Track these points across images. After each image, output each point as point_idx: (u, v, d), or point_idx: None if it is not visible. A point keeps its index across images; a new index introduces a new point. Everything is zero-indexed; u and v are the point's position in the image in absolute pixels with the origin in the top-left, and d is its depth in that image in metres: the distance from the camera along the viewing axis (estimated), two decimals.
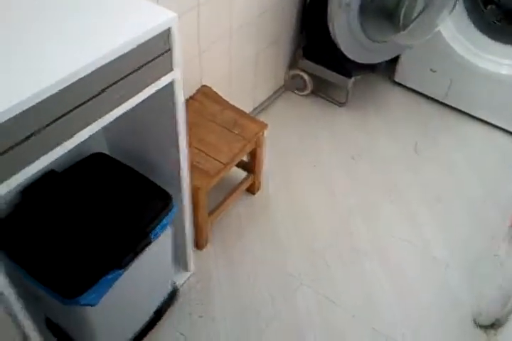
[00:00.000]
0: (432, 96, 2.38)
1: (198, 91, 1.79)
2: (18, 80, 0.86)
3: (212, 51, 1.77)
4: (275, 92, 2.32)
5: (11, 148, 0.84)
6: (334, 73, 2.23)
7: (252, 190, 1.93)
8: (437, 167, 2.12)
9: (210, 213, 1.71)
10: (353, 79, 2.22)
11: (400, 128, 2.27)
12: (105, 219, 1.21)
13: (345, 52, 2.07)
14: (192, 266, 1.65)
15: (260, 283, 1.69)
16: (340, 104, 2.34)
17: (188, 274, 1.65)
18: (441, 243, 1.84)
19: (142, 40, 0.98)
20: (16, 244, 1.15)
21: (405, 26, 1.96)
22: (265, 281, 1.69)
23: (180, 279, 1.63)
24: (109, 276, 1.15)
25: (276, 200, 1.94)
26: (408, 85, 2.42)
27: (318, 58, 2.24)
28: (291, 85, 2.36)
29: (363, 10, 1.98)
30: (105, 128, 1.04)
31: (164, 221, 1.27)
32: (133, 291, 1.31)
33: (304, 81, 2.31)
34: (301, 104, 2.33)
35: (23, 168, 0.88)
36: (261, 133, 1.73)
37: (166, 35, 1.04)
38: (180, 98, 1.19)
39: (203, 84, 1.80)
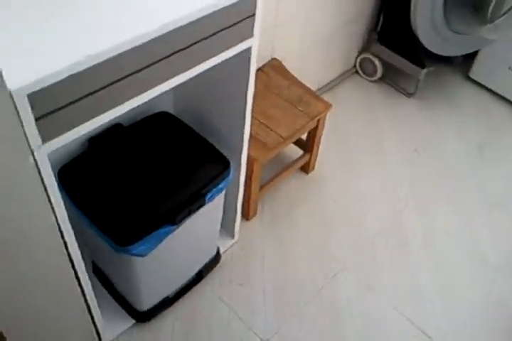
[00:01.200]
0: (507, 96, 2.28)
1: (268, 63, 1.79)
2: (104, 30, 0.89)
3: (287, 25, 1.77)
4: (343, 74, 2.29)
5: (90, 94, 0.88)
6: (407, 61, 2.17)
7: (306, 169, 1.92)
8: (500, 170, 2.04)
9: (262, 186, 1.73)
10: (426, 69, 2.15)
11: (467, 126, 2.20)
12: (164, 175, 1.25)
13: (423, 42, 2.01)
14: (237, 234, 1.68)
15: (302, 261, 1.70)
16: (409, 95, 2.29)
17: (232, 241, 1.68)
18: (495, 248, 1.79)
19: (229, 2, 0.98)
20: (77, 187, 1.21)
21: (493, 19, 1.88)
22: (308, 260, 1.70)
23: (225, 245, 1.66)
24: (162, 230, 1.19)
25: (329, 182, 1.93)
26: (483, 83, 2.33)
27: (393, 44, 2.18)
28: (360, 69, 2.32)
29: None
30: (174, 88, 1.06)
31: (220, 185, 1.29)
32: (180, 248, 1.35)
33: (375, 66, 2.27)
34: (368, 90, 2.29)
35: (98, 115, 0.92)
36: (325, 113, 1.72)
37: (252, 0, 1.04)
38: (254, 65, 1.19)
39: (274, 57, 1.80)
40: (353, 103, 2.23)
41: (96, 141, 1.29)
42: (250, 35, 1.11)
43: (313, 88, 2.14)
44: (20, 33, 0.85)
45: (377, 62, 2.25)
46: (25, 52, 0.82)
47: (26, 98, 0.79)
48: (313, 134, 1.80)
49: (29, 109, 0.80)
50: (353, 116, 2.17)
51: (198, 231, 1.37)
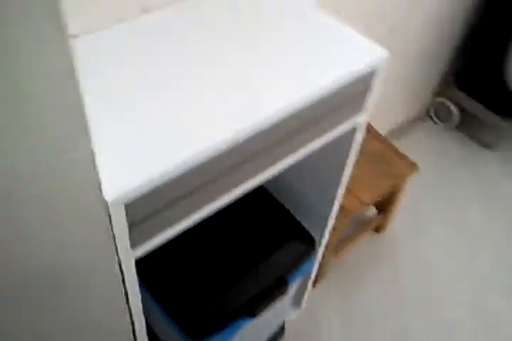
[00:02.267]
0: None
1: None
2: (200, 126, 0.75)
3: None
4: (414, 120, 2.12)
5: (187, 195, 0.74)
6: (488, 110, 1.99)
7: (377, 228, 1.76)
8: None
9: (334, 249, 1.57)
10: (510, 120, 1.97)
11: None
12: (245, 258, 1.10)
13: None
14: (305, 303, 1.52)
15: (373, 331, 1.53)
16: (488, 147, 2.09)
17: (298, 311, 1.52)
18: None
19: (347, 81, 0.84)
20: (152, 278, 1.07)
21: None
22: (379, 331, 1.53)
23: (290, 315, 1.50)
24: (238, 323, 1.04)
25: (401, 245, 1.75)
26: None
27: (473, 90, 2.00)
28: (434, 114, 2.15)
29: None
30: None
31: (303, 268, 1.14)
32: (251, 334, 1.20)
33: (450, 112, 2.09)
34: (441, 138, 2.11)
35: (192, 214, 0.78)
36: (410, 176, 1.55)
37: (371, 75, 0.89)
38: (359, 142, 1.04)
39: None
40: (425, 152, 2.04)
41: None
42: (361, 110, 0.96)
43: (383, 133, 1.98)
44: (113, 137, 0.72)
45: (453, 108, 2.07)
46: (121, 156, 0.69)
47: (123, 207, 0.65)
48: (392, 195, 1.62)
49: (124, 217, 0.67)
50: (426, 170, 1.98)
51: (271, 313, 1.22)
